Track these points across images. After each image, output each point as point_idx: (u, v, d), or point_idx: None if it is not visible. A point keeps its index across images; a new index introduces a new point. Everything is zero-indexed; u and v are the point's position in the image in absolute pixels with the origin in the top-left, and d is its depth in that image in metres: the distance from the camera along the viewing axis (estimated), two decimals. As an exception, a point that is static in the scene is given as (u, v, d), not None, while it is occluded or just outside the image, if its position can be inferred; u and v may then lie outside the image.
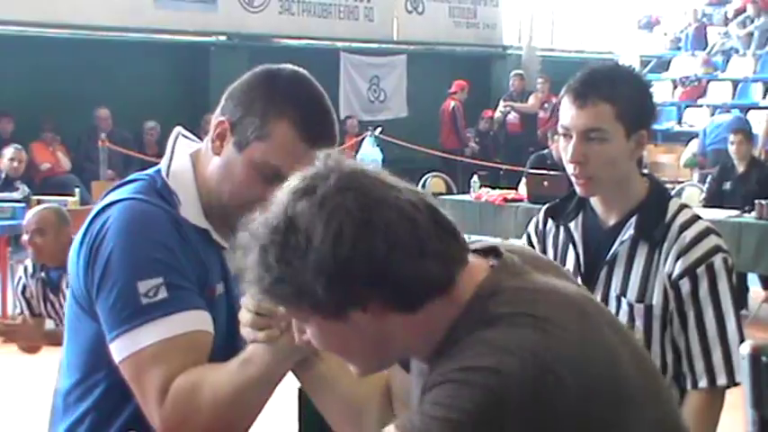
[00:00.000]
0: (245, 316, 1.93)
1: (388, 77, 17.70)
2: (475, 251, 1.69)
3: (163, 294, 1.99)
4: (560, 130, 2.66)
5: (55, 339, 5.27)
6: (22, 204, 8.80)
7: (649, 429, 1.59)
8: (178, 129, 2.27)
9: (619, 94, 2.59)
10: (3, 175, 9.46)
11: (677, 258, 2.61)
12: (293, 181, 1.58)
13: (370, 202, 1.53)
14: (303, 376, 2.01)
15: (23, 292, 5.58)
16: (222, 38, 15.77)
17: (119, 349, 2.01)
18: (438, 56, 18.41)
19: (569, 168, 2.65)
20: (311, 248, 1.50)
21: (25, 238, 5.48)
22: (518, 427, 1.46)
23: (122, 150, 13.07)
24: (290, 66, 2.18)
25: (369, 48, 17.67)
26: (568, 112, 2.62)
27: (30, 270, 5.59)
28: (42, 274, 5.53)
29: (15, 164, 9.59)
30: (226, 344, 2.07)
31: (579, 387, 1.50)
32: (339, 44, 17.16)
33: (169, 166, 2.19)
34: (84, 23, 14.00)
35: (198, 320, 2.02)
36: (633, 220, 2.66)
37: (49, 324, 5.85)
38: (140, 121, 13.99)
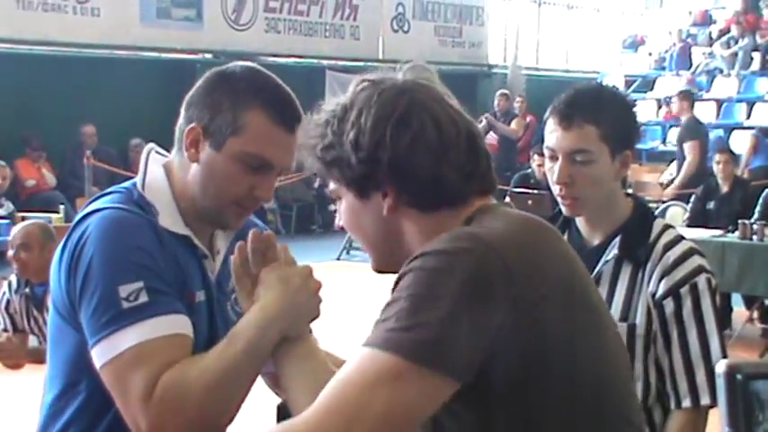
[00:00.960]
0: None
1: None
2: None
3: (143, 298, 2.00)
4: (546, 151, 2.68)
5: (38, 357, 5.25)
6: (7, 221, 8.79)
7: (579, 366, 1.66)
8: (151, 144, 2.31)
9: (603, 115, 2.61)
10: (-13, 192, 9.45)
11: (661, 278, 2.62)
12: (371, 73, 1.83)
13: (417, 105, 1.73)
14: (286, 357, 1.99)
15: (7, 308, 5.56)
16: (208, 56, 15.78)
17: (100, 354, 2.01)
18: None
19: (555, 189, 2.67)
20: (356, 126, 1.74)
21: (11, 253, 5.47)
22: (462, 304, 1.56)
23: (108, 167, 13.05)
24: (238, 62, 2.25)
25: (355, 66, 17.67)
26: (554, 134, 2.64)
27: (14, 285, 5.58)
28: (27, 290, 5.52)
29: (0, 181, 9.57)
30: (206, 350, 2.07)
31: (526, 279, 1.61)
32: (325, 62, 17.19)
33: (144, 179, 2.21)
34: (71, 41, 14.00)
35: (178, 324, 2.03)
36: (617, 239, 2.68)
37: (33, 341, 5.83)
38: (126, 138, 13.99)
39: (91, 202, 2.19)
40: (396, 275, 1.67)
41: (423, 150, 1.71)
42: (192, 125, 2.17)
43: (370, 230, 1.81)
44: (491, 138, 15.54)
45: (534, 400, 1.62)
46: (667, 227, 2.73)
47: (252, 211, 2.25)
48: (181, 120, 2.21)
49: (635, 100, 19.00)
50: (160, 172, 2.23)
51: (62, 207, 9.97)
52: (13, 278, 5.62)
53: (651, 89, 19.72)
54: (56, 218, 8.67)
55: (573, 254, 1.80)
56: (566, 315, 1.64)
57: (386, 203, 1.75)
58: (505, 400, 1.61)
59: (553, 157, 2.65)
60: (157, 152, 2.30)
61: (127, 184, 2.24)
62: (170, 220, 2.17)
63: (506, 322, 1.58)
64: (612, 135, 2.61)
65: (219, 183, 2.15)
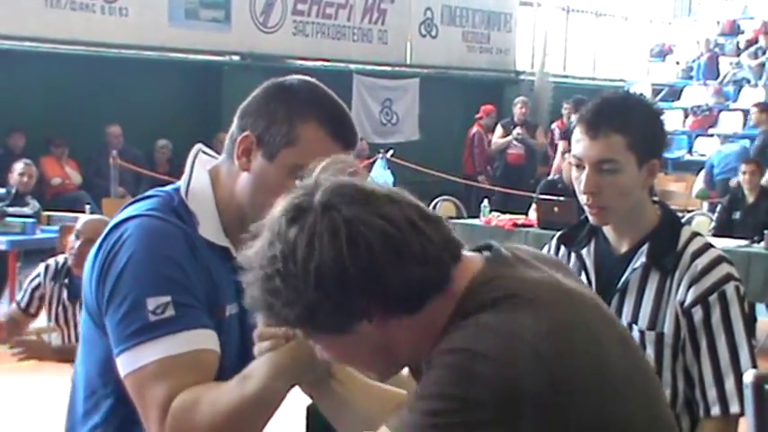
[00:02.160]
0: (256, 330, 1.97)
1: (401, 100, 17.72)
2: (472, 250, 1.76)
3: (170, 312, 2.00)
4: (573, 160, 2.67)
5: (63, 355, 5.27)
6: (33, 220, 8.81)
7: (636, 427, 1.62)
8: (198, 146, 2.29)
9: (630, 124, 2.60)
10: (13, 191, 9.45)
11: (689, 286, 2.61)
12: (282, 206, 1.66)
13: (353, 219, 1.59)
14: (318, 397, 2.02)
15: (34, 290, 5.56)
16: (236, 58, 15.81)
17: (124, 364, 2.01)
18: (451, 80, 18.44)
19: (582, 198, 2.66)
20: (312, 272, 1.58)
21: (75, 243, 5.40)
22: (495, 409, 1.51)
23: (133, 168, 13.10)
24: (295, 75, 2.23)
25: (382, 71, 17.71)
26: (581, 143, 2.63)
27: (51, 271, 5.57)
28: (66, 280, 5.51)
29: (25, 179, 9.59)
30: (238, 364, 2.05)
31: (561, 367, 1.54)
32: (352, 66, 17.19)
33: (188, 185, 2.19)
34: (98, 40, 14.04)
35: (204, 339, 2.03)
36: (645, 247, 2.67)
37: (55, 338, 5.86)
38: (152, 139, 14.03)
39: (129, 206, 2.18)
40: None
41: (386, 260, 1.58)
42: (246, 133, 2.15)
43: (366, 357, 1.72)
44: (518, 148, 15.41)
45: None
46: (695, 234, 2.72)
47: None
48: (233, 128, 2.19)
49: (662, 109, 18.99)
50: (206, 178, 2.22)
51: (87, 207, 9.98)
52: (53, 263, 5.60)
53: (678, 98, 19.66)
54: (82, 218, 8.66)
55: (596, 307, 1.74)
56: (596, 392, 1.59)
57: (373, 327, 1.63)
58: None
59: (580, 167, 2.64)
60: (205, 152, 2.28)
61: (169, 188, 2.23)
62: (211, 229, 2.16)
63: (543, 426, 1.54)
64: (639, 144, 2.60)
65: (270, 194, 2.10)
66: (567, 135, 12.66)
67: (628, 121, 2.60)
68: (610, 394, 1.60)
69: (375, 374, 1.79)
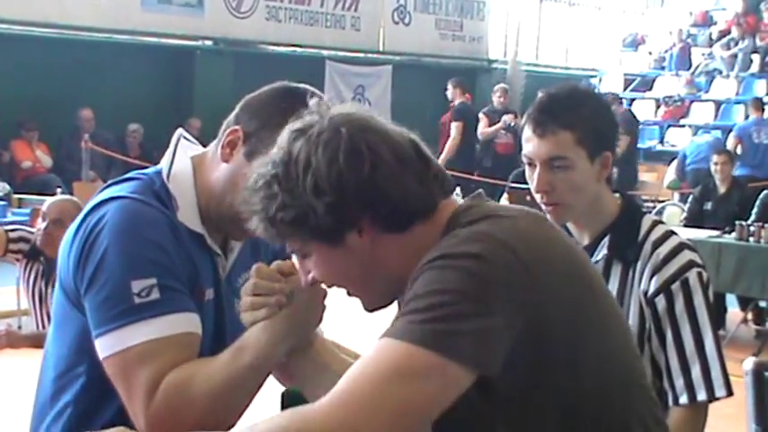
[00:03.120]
0: (244, 301, 1.99)
1: (373, 87, 17.72)
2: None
3: (155, 295, 1.99)
4: (524, 159, 2.67)
5: (36, 341, 5.25)
6: (3, 202, 8.77)
7: (603, 348, 1.69)
8: (180, 131, 2.28)
9: (578, 119, 2.59)
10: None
11: (652, 275, 2.61)
12: (291, 125, 1.76)
13: (359, 132, 1.71)
14: (296, 363, 2.03)
15: (22, 238, 5.52)
16: (208, 42, 15.77)
17: (105, 346, 2.00)
18: (423, 67, 18.45)
19: (537, 197, 2.66)
20: (309, 174, 1.68)
21: (41, 225, 5.36)
22: (475, 300, 1.57)
23: (105, 152, 13.04)
24: (307, 86, 2.21)
25: (355, 57, 17.70)
26: (530, 142, 2.63)
27: (29, 245, 5.51)
28: (42, 259, 5.47)
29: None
30: (212, 348, 2.07)
31: (536, 264, 1.63)
32: (325, 52, 17.17)
33: (170, 169, 2.19)
34: (71, 23, 13.97)
35: (188, 322, 2.03)
36: (606, 239, 2.67)
37: (28, 323, 5.83)
38: (124, 123, 13.97)
39: (108, 187, 2.17)
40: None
41: (383, 172, 1.70)
42: (236, 127, 2.15)
43: (354, 273, 1.78)
44: (506, 138, 15.21)
45: (539, 398, 1.64)
46: (656, 223, 2.71)
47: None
48: (231, 116, 2.19)
49: (633, 98, 19.08)
50: (187, 164, 2.21)
51: (59, 190, 9.94)
52: (33, 241, 5.53)
53: (650, 89, 19.73)
54: (52, 201, 8.61)
55: (570, 241, 1.82)
56: (572, 304, 1.65)
57: (362, 241, 1.72)
58: (514, 394, 1.63)
59: (532, 165, 2.64)
60: (186, 138, 2.27)
61: (149, 170, 2.22)
62: (188, 216, 2.15)
63: (523, 319, 1.59)
64: (589, 138, 2.59)
65: (238, 195, 2.14)
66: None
67: (575, 116, 2.59)
68: (585, 310, 1.67)
69: (363, 300, 1.83)
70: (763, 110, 14.23)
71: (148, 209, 2.09)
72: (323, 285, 1.92)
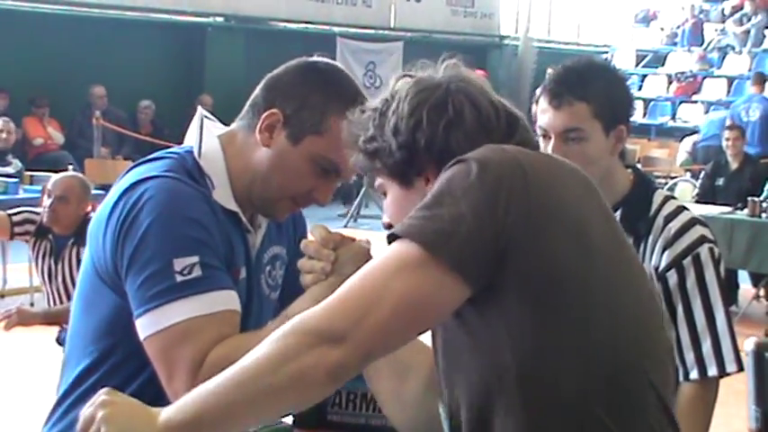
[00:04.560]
0: (300, 262, 2.04)
1: (385, 64, 17.67)
2: None
3: (197, 273, 1.99)
4: (539, 130, 2.66)
5: (49, 318, 5.27)
6: (16, 179, 8.78)
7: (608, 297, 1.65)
8: (201, 110, 2.26)
9: (594, 91, 2.58)
10: (-6, 149, 9.42)
11: (663, 250, 2.61)
12: (414, 68, 1.86)
13: (455, 91, 1.77)
14: None
15: (28, 220, 5.53)
16: (219, 19, 15.75)
17: (147, 324, 2.00)
18: (435, 44, 18.38)
19: None
20: (396, 113, 1.78)
21: (46, 202, 5.37)
22: (477, 206, 1.59)
23: (116, 129, 13.05)
24: (326, 60, 2.23)
25: (366, 34, 17.66)
26: (545, 114, 2.62)
27: (38, 225, 5.52)
28: (50, 236, 5.49)
29: (4, 135, 9.50)
30: (242, 327, 2.07)
31: (542, 192, 1.64)
32: (336, 29, 17.14)
33: (200, 148, 2.18)
34: (83, 0, 13.97)
35: (229, 300, 2.03)
36: (618, 213, 2.65)
37: (40, 300, 5.85)
38: (135, 99, 13.97)
39: (137, 166, 2.17)
40: None
41: (459, 133, 1.74)
42: (274, 110, 2.14)
43: None
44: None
45: (545, 319, 1.61)
46: (668, 198, 2.71)
47: (302, 208, 2.27)
48: (258, 98, 2.18)
49: (645, 74, 19.01)
50: (215, 144, 2.20)
51: (70, 167, 9.94)
52: (39, 219, 5.53)
53: (662, 64, 19.66)
54: (64, 177, 8.61)
55: (600, 203, 1.78)
56: (580, 251, 1.63)
57: (428, 186, 1.74)
58: (515, 314, 1.61)
59: (546, 137, 2.63)
60: (208, 118, 2.26)
61: (178, 149, 2.21)
62: (222, 194, 2.15)
63: (519, 232, 1.59)
64: (604, 111, 2.59)
65: (286, 176, 2.13)
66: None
67: (591, 88, 2.59)
68: (590, 257, 1.64)
69: None
70: (763, 86, 14.08)
71: (187, 187, 2.09)
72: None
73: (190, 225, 2.03)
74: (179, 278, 1.98)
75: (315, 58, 2.22)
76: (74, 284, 5.32)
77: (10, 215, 5.63)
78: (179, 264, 1.99)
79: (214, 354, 1.95)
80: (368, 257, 1.99)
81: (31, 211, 5.65)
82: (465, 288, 1.59)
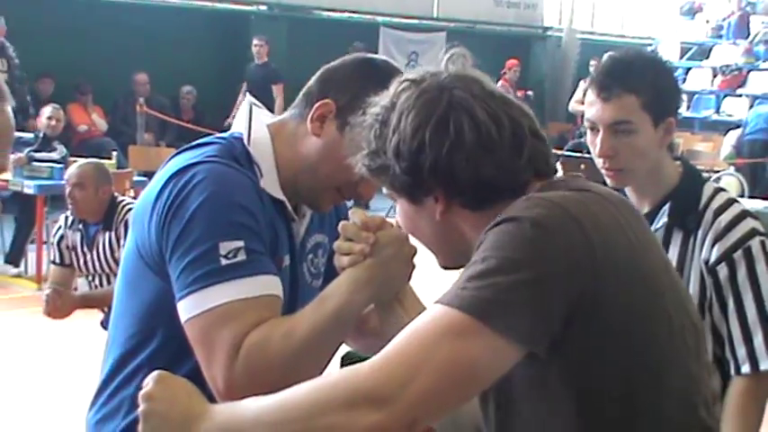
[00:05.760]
0: (337, 243, 2.03)
1: (427, 54, 17.62)
2: None
3: (242, 257, 1.99)
4: (587, 123, 2.65)
5: (90, 302, 5.32)
6: (60, 165, 8.84)
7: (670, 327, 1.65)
8: (250, 98, 2.27)
9: (643, 83, 2.56)
10: (41, 135, 9.47)
11: (713, 244, 2.59)
12: (413, 71, 1.80)
13: (456, 106, 1.69)
14: (384, 317, 2.06)
15: (60, 243, 5.60)
16: (263, 7, 15.79)
17: (189, 307, 2.00)
18: (477, 35, 18.33)
19: (598, 162, 2.64)
20: (397, 133, 1.71)
21: (67, 191, 5.53)
22: (554, 274, 1.55)
23: (159, 115, 13.11)
24: (383, 57, 2.24)
25: (409, 23, 17.64)
26: (594, 106, 2.60)
27: (69, 221, 5.61)
28: (80, 226, 5.55)
29: (53, 122, 9.58)
30: (286, 314, 2.06)
31: (600, 238, 1.59)
32: (379, 18, 17.13)
33: (249, 135, 2.19)
34: (127, -13, 14.05)
35: (271, 285, 2.03)
36: (666, 207, 2.65)
37: (82, 284, 5.90)
38: (178, 86, 14.03)
39: (183, 152, 2.17)
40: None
41: (460, 154, 1.68)
42: (327, 100, 2.15)
43: (428, 233, 1.80)
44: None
45: (595, 373, 1.60)
46: (718, 191, 2.68)
47: (347, 200, 2.27)
48: (312, 88, 2.20)
49: (689, 68, 18.87)
50: (264, 132, 2.20)
51: (114, 154, 10.00)
52: (69, 213, 5.65)
53: (707, 57, 19.49)
54: (108, 164, 8.65)
55: (634, 217, 1.76)
56: (625, 287, 1.61)
57: (437, 208, 1.74)
58: (569, 373, 1.60)
59: (594, 129, 2.62)
60: (257, 105, 2.26)
61: (225, 135, 2.22)
62: (270, 182, 2.16)
63: (584, 292, 1.56)
64: (653, 103, 2.57)
65: (334, 166, 2.12)
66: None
67: (640, 80, 2.57)
68: (648, 295, 1.63)
69: (437, 257, 1.84)
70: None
71: (236, 173, 2.09)
72: (412, 242, 1.95)
73: (237, 210, 2.03)
74: (224, 261, 1.98)
75: (372, 55, 2.23)
76: (110, 269, 5.39)
77: (53, 261, 5.72)
78: (224, 247, 1.99)
79: (252, 337, 1.95)
80: (406, 242, 1.99)
81: (55, 233, 5.72)
82: (519, 352, 1.56)
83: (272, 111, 2.36)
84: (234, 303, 1.97)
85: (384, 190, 1.83)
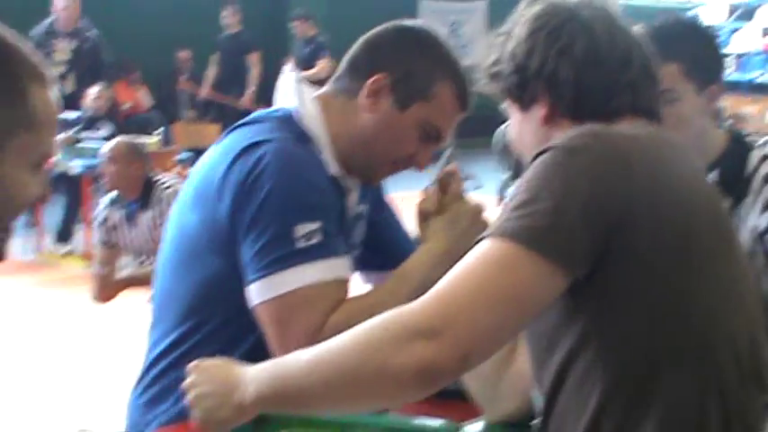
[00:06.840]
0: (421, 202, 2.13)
1: (468, 24, 17.52)
2: None
3: (318, 238, 2.00)
4: None
5: (138, 282, 5.36)
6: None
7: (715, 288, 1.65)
8: (295, 73, 2.25)
9: (685, 51, 2.54)
10: (87, 114, 9.50)
11: (764, 210, 2.57)
12: None
13: (574, 20, 1.77)
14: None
15: (103, 223, 5.64)
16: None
17: (262, 290, 2.00)
18: (519, 1, 18.16)
19: None
20: (516, 37, 1.80)
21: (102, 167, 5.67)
22: (576, 196, 1.57)
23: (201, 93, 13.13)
24: (420, 24, 2.24)
25: (449, -8, 17.52)
26: None
27: (110, 201, 5.65)
28: (121, 205, 5.58)
29: (100, 102, 9.62)
30: None
31: (646, 182, 1.60)
32: (420, -12, 17.02)
33: (302, 112, 2.17)
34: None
35: (344, 266, 2.04)
36: (713, 174, 2.62)
37: (128, 264, 5.94)
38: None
39: (236, 128, 2.16)
40: None
41: (567, 61, 1.74)
42: (379, 76, 2.14)
43: (528, 143, 1.82)
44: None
45: (640, 309, 1.60)
46: (765, 157, 2.65)
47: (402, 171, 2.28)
48: (359, 61, 2.18)
49: (735, 29, 18.63)
50: (315, 107, 2.19)
51: (160, 130, 10.00)
52: (110, 195, 5.69)
53: (754, 17, 19.22)
54: (150, 142, 8.66)
55: (700, 181, 1.78)
56: (663, 230, 1.61)
57: (542, 115, 1.78)
58: (611, 303, 1.60)
59: None
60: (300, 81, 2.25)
61: (277, 112, 2.20)
62: (327, 158, 2.15)
63: (622, 220, 1.57)
64: (696, 70, 2.55)
65: (391, 141, 2.14)
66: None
67: (682, 47, 2.54)
68: (690, 246, 1.62)
69: None
70: None
71: (304, 151, 2.08)
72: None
73: (311, 190, 2.03)
74: (299, 244, 1.98)
75: (409, 22, 2.22)
76: (153, 248, 5.42)
77: (99, 242, 5.75)
78: (300, 230, 1.99)
79: (333, 319, 1.96)
80: (481, 216, 2.05)
81: (98, 215, 5.75)
82: (564, 279, 1.57)
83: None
84: (311, 287, 1.98)
85: (503, 105, 1.87)
